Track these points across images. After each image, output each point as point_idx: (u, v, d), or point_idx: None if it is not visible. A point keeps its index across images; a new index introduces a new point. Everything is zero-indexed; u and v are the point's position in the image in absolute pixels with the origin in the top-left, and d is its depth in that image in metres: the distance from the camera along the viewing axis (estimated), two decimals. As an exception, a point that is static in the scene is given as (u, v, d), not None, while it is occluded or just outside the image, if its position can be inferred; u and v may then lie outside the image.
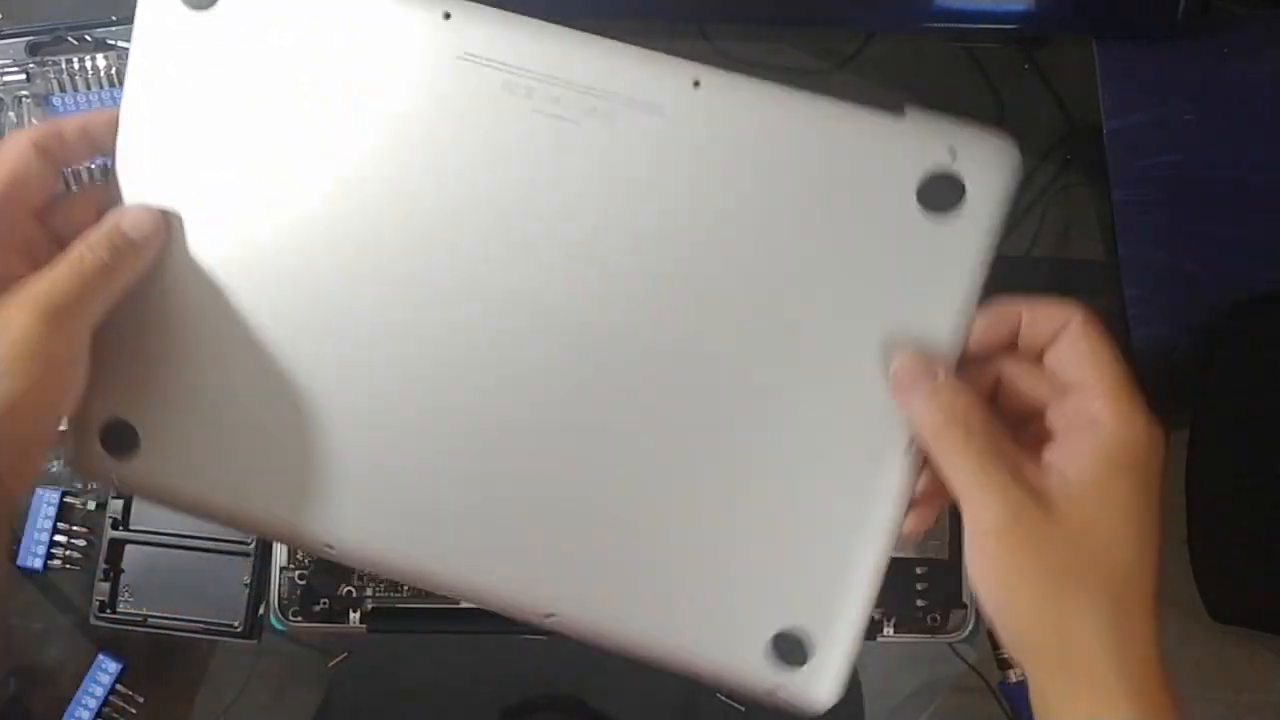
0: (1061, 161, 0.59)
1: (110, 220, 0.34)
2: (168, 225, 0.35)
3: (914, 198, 0.32)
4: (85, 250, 0.33)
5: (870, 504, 0.34)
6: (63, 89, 0.55)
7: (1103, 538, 0.31)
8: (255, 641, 0.53)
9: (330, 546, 0.36)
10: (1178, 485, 0.53)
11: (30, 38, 0.55)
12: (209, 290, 0.35)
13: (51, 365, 0.32)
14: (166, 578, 0.54)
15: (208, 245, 0.35)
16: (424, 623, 0.52)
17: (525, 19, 0.33)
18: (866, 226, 0.33)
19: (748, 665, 0.34)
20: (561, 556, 0.35)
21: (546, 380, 0.34)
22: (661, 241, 0.33)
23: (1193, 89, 0.57)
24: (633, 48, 0.33)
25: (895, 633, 0.51)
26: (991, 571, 0.31)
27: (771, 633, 0.34)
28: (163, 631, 0.53)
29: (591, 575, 0.35)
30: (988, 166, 0.32)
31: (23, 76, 0.55)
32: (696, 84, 0.33)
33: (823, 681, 0.34)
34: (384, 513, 0.35)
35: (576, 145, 0.33)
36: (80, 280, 0.33)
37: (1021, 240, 0.58)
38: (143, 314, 0.35)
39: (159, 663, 0.57)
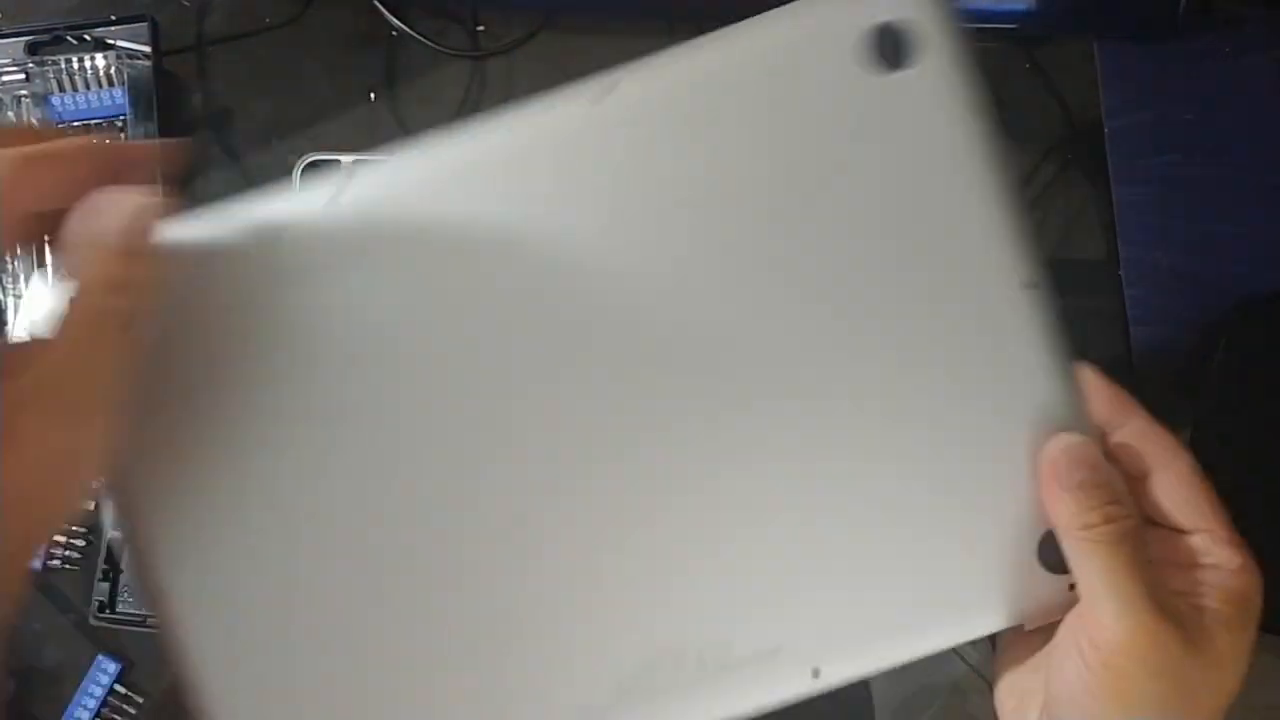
0: (1062, 161, 0.59)
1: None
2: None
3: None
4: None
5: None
6: (62, 89, 0.54)
7: (1226, 673, 0.30)
8: (255, 642, 0.53)
9: None
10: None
11: (29, 37, 0.55)
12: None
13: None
14: (166, 578, 0.54)
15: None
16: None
17: None
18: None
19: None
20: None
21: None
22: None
23: (1193, 89, 0.57)
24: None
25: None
26: (1114, 691, 0.29)
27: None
28: (162, 632, 0.53)
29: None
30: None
31: (22, 76, 0.55)
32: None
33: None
34: None
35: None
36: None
37: (1022, 240, 0.58)
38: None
39: (159, 663, 0.57)
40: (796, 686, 0.31)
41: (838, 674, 0.31)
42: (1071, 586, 0.31)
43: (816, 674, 0.31)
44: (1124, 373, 0.56)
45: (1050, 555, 0.31)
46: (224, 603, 0.30)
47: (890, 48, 0.30)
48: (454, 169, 0.29)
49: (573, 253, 0.29)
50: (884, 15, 0.29)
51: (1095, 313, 0.57)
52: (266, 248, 0.29)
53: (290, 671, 0.30)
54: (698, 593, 0.30)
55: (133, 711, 0.55)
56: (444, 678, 0.30)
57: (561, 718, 0.30)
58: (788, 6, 0.30)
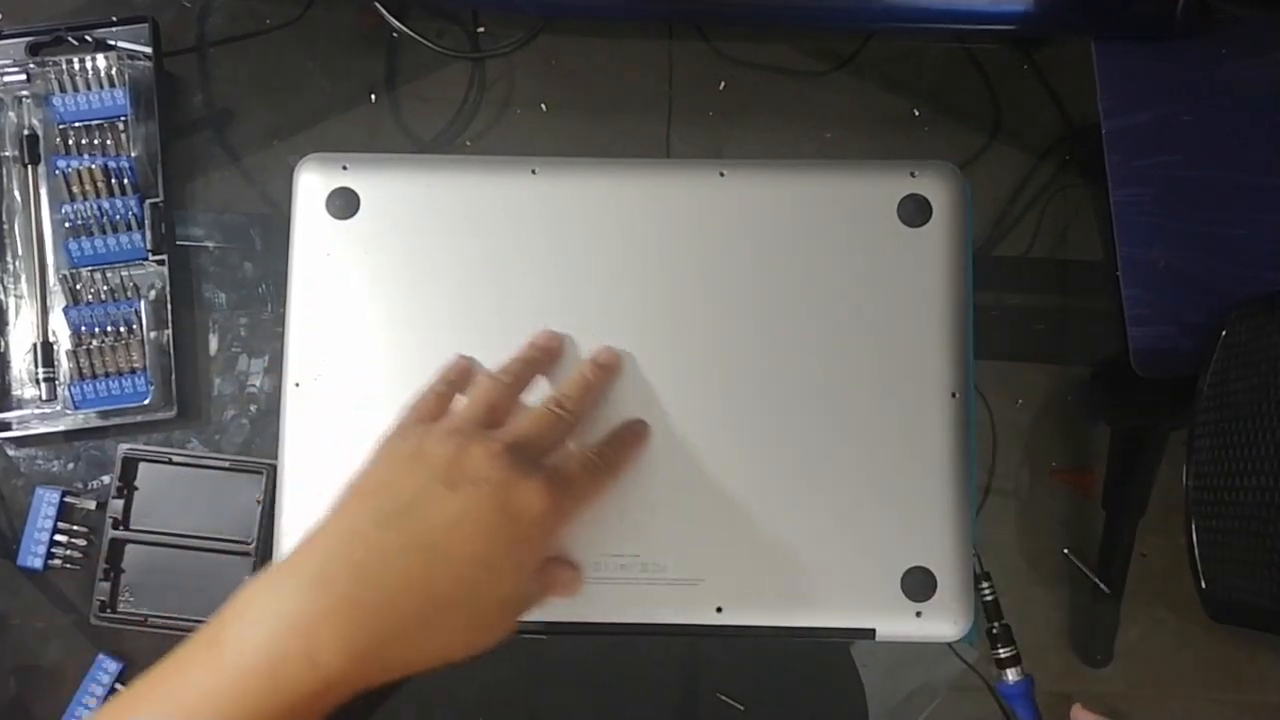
0: (1060, 162, 0.59)
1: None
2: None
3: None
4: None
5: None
6: (63, 89, 0.55)
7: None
8: (255, 641, 0.53)
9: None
10: (1177, 485, 0.53)
11: (31, 38, 0.56)
12: None
13: None
14: (166, 578, 0.54)
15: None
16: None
17: None
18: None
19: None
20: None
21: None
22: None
23: (1191, 89, 0.57)
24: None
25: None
26: None
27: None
28: (163, 631, 0.53)
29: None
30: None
31: (23, 77, 0.55)
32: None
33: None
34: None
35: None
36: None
37: (1020, 241, 0.58)
38: None
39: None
40: (701, 616, 0.43)
41: (734, 618, 0.43)
42: (919, 614, 0.43)
43: (719, 611, 0.43)
44: (1122, 372, 0.56)
45: (911, 585, 0.43)
46: None
47: (914, 211, 0.45)
48: (631, 192, 0.46)
49: (672, 270, 0.46)
50: (913, 189, 0.46)
51: (1094, 313, 0.57)
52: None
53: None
54: (665, 526, 0.44)
55: (133, 711, 0.55)
56: None
57: None
58: (856, 163, 0.47)
